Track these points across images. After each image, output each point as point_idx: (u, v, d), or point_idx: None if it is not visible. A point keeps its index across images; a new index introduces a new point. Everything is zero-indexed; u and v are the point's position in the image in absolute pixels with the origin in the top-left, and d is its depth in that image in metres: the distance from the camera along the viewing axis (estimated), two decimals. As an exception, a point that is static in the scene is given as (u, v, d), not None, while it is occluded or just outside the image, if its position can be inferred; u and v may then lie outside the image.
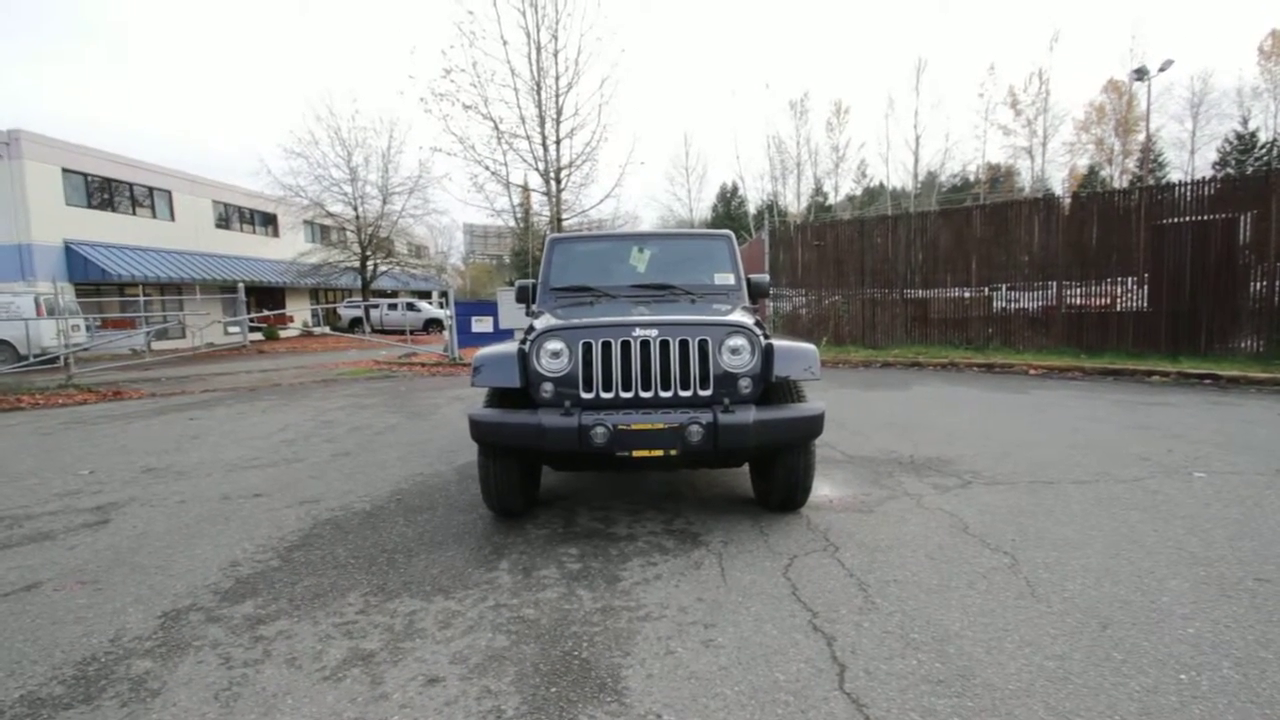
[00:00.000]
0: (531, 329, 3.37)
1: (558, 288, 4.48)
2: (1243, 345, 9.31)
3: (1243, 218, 9.68)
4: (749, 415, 3.01)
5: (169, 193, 21.15)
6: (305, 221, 24.36)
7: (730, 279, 4.52)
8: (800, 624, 2.31)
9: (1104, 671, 1.97)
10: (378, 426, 6.44)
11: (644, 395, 3.18)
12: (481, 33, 14.95)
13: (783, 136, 43.67)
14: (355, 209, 21.32)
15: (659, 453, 3.03)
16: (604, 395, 3.18)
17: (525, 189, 15.21)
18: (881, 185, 44.70)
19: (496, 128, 14.56)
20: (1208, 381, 7.90)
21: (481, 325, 14.92)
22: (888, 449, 4.96)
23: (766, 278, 4.65)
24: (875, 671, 2.00)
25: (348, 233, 22.38)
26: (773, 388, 3.30)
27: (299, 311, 23.81)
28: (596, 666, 2.08)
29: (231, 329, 19.67)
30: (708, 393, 3.17)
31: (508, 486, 3.40)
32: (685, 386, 3.18)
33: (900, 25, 63.21)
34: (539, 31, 13.95)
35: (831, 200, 43.55)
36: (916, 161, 41.54)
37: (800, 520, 3.40)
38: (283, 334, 22.63)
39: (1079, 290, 10.96)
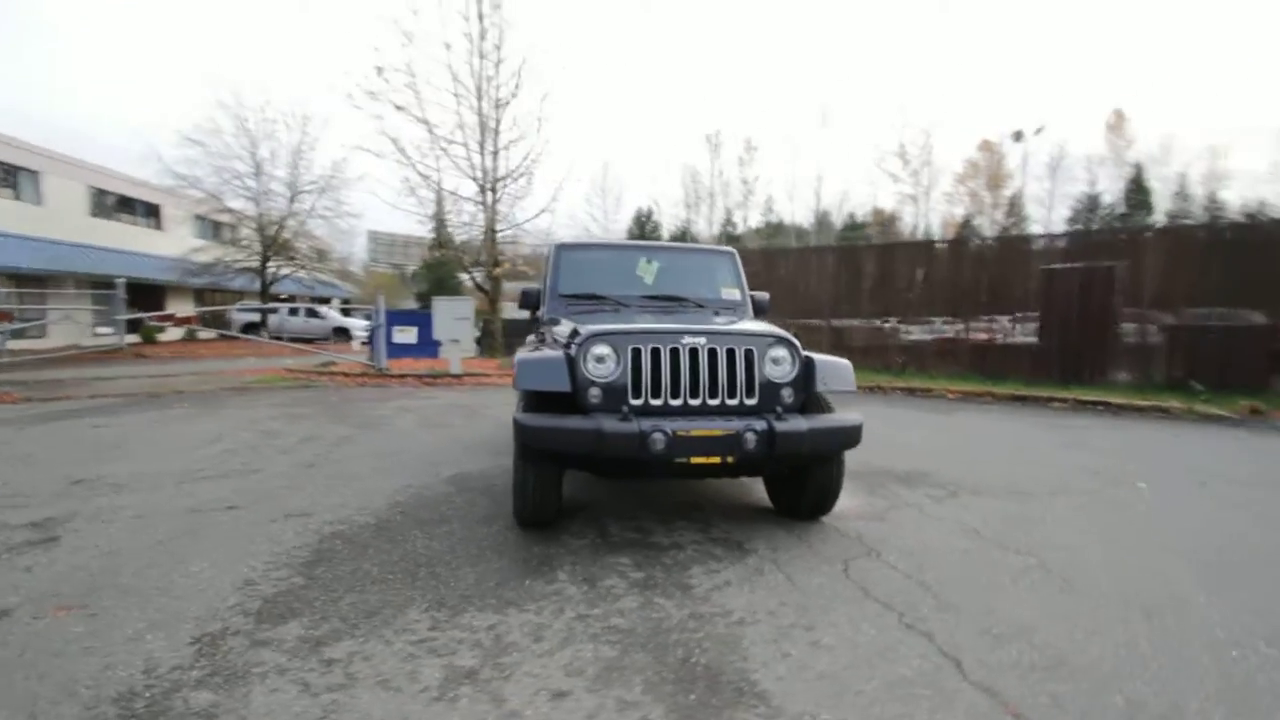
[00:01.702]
0: (575, 333, 3.27)
1: (567, 294, 4.40)
2: (1119, 377, 10.67)
3: (1116, 267, 11.18)
4: (803, 423, 3.09)
5: (36, 173, 18.55)
6: (196, 216, 22.18)
7: (736, 294, 4.63)
8: (892, 623, 2.39)
9: (1170, 653, 2.19)
10: (329, 437, 5.95)
11: (692, 403, 3.18)
12: (422, 34, 14.46)
13: (697, 167, 45.27)
14: (258, 205, 19.69)
15: (716, 459, 3.04)
16: (653, 402, 3.16)
17: (461, 196, 14.73)
18: (781, 221, 47.39)
19: (431, 132, 14.07)
20: (1100, 407, 8.95)
21: (404, 336, 14.22)
22: (865, 462, 5.21)
23: (767, 296, 4.80)
24: (987, 663, 2.10)
25: (245, 230, 20.59)
26: (809, 399, 3.40)
27: (184, 312, 21.51)
28: (722, 672, 2.05)
29: (102, 330, 17.45)
30: (753, 402, 3.23)
31: (545, 495, 3.27)
32: (732, 395, 3.22)
33: (807, 73, 67.85)
34: (483, 39, 13.71)
35: (740, 230, 45.48)
36: (818, 200, 44.34)
37: (828, 528, 3.52)
38: (161, 337, 20.33)
39: (984, 323, 12.16)
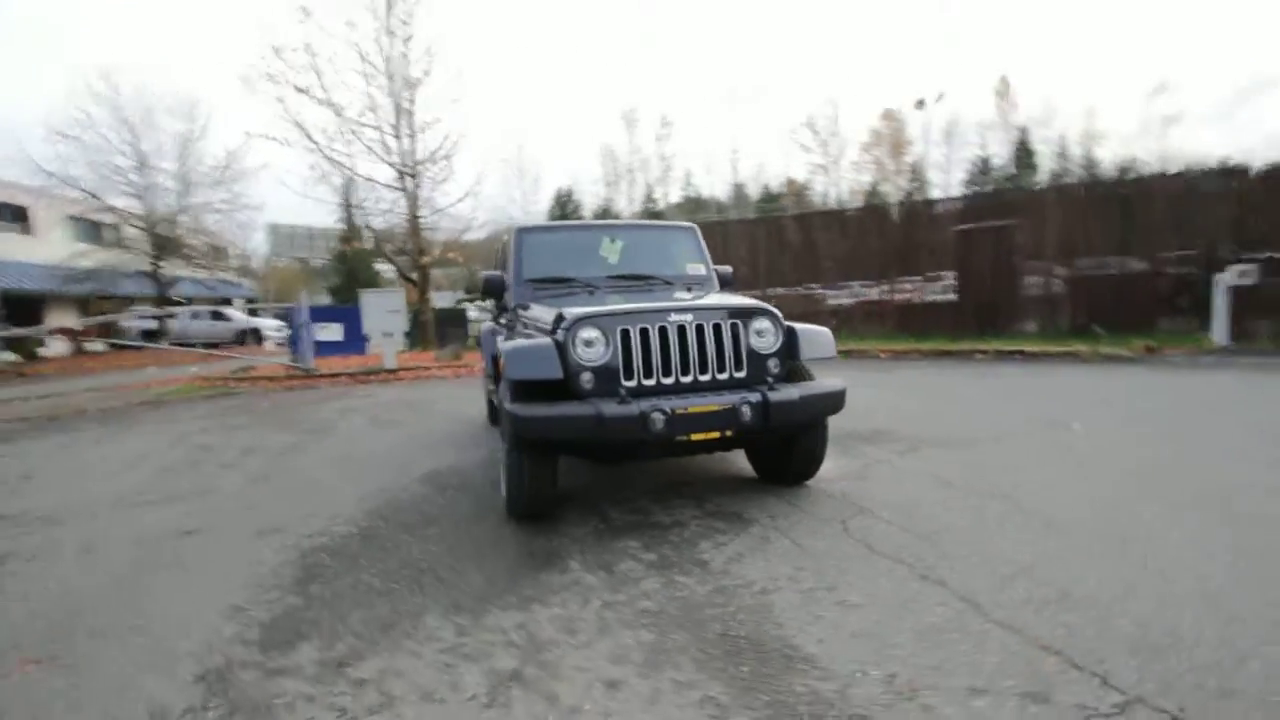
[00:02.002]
0: (560, 318, 3.19)
1: (533, 279, 4.27)
2: (1029, 326, 11.54)
3: (1017, 225, 12.02)
4: (795, 392, 3.16)
5: None
6: (71, 217, 19.94)
7: (702, 269, 4.65)
8: (905, 575, 2.50)
9: (1154, 577, 2.41)
10: (274, 447, 5.57)
11: (684, 380, 3.19)
12: (322, 9, 13.46)
13: (615, 145, 44.87)
14: (144, 201, 17.88)
15: (715, 434, 3.07)
16: (645, 382, 3.14)
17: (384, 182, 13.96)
18: (700, 195, 47.93)
19: (339, 115, 13.22)
20: (1018, 355, 9.66)
21: (328, 333, 13.48)
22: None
23: (730, 269, 4.84)
24: (1001, 603, 2.24)
25: (131, 229, 18.70)
26: (792, 368, 3.47)
27: (67, 323, 19.34)
28: (764, 641, 2.08)
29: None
30: (741, 375, 3.27)
31: (541, 486, 3.20)
32: (721, 370, 3.24)
33: (720, 47, 68.34)
34: (389, 14, 12.93)
35: (661, 206, 45.61)
36: (736, 173, 45.02)
37: (815, 490, 3.63)
38: (44, 353, 18.30)
39: (907, 284, 12.81)
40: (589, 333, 3.13)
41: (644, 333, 3.16)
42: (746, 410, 3.04)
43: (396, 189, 13.88)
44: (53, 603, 2.65)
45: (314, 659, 2.12)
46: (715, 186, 48.23)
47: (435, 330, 14.51)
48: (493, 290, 4.40)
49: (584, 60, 67.95)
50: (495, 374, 5.55)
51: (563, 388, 3.08)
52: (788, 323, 3.43)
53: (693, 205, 48.32)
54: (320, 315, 13.32)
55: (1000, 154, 47.70)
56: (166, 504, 3.99)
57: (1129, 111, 64.29)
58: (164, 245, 18.37)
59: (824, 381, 3.41)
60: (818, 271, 13.52)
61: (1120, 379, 7.29)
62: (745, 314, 3.34)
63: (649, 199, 44.90)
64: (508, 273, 4.39)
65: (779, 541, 2.92)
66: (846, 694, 1.79)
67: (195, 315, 21.00)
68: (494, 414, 5.90)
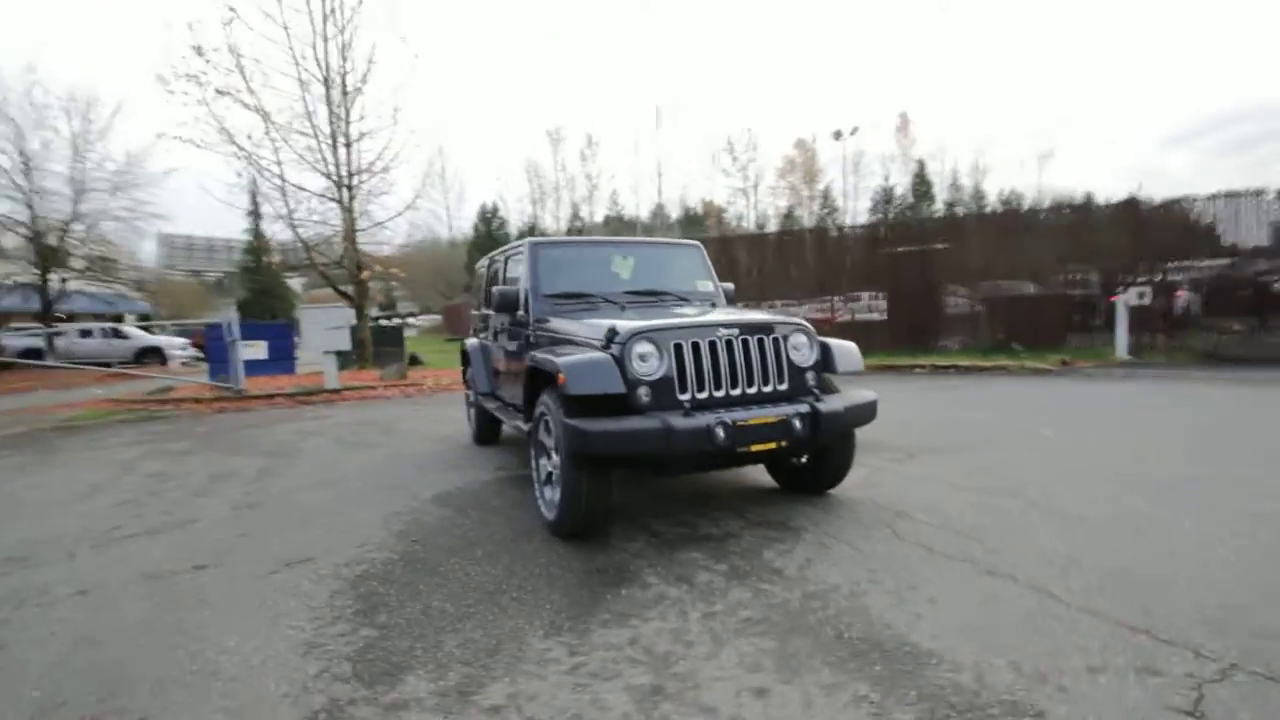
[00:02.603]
0: (614, 332, 3.18)
1: (552, 294, 4.23)
2: (952, 343, 12.47)
3: (941, 249, 13.03)
4: (839, 403, 3.31)
5: None
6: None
7: (710, 286, 4.76)
8: (973, 571, 2.68)
9: (1181, 559, 2.70)
10: (244, 472, 5.15)
11: (733, 394, 3.26)
12: (252, 13, 12.72)
13: (540, 162, 44.69)
14: (31, 208, 16.00)
15: (771, 445, 3.15)
16: (698, 395, 3.19)
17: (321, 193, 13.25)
18: (621, 215, 48.57)
19: (268, 121, 12.50)
20: (953, 370, 10.41)
21: (252, 351, 12.56)
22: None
23: (732, 286, 4.98)
24: (1072, 590, 2.45)
25: (12, 238, 16.71)
26: (824, 381, 3.63)
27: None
28: (881, 640, 2.17)
29: None
30: (784, 387, 3.38)
31: (598, 502, 3.16)
32: (765, 382, 3.35)
33: (645, 70, 70.00)
34: (326, 22, 12.41)
35: (586, 224, 45.82)
36: (660, 194, 45.96)
37: (840, 498, 3.79)
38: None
39: (849, 303, 13.54)
40: (644, 347, 3.15)
41: (695, 346, 3.22)
42: (798, 422, 3.16)
43: (331, 200, 13.23)
44: (74, 652, 2.35)
45: (431, 690, 2.00)
46: (641, 206, 48.98)
47: (372, 348, 13.85)
48: (507, 305, 4.31)
49: (509, 76, 67.63)
50: (487, 391, 5.43)
51: (607, 402, 3.06)
52: (821, 338, 3.59)
53: (617, 225, 48.87)
54: (242, 333, 12.39)
55: (901, 184, 51.31)
56: (149, 537, 3.61)
57: (1010, 147, 71.12)
58: (50, 256, 16.52)
59: (859, 393, 3.58)
60: (768, 290, 14.01)
61: (1051, 389, 8.02)
62: (784, 328, 3.47)
63: (575, 216, 45.05)
64: (526, 287, 4.31)
65: (837, 547, 3.03)
66: (985, 682, 1.90)
67: (86, 333, 18.95)
68: (484, 433, 5.75)
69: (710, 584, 2.69)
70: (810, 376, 3.47)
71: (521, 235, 44.13)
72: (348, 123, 13.03)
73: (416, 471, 4.93)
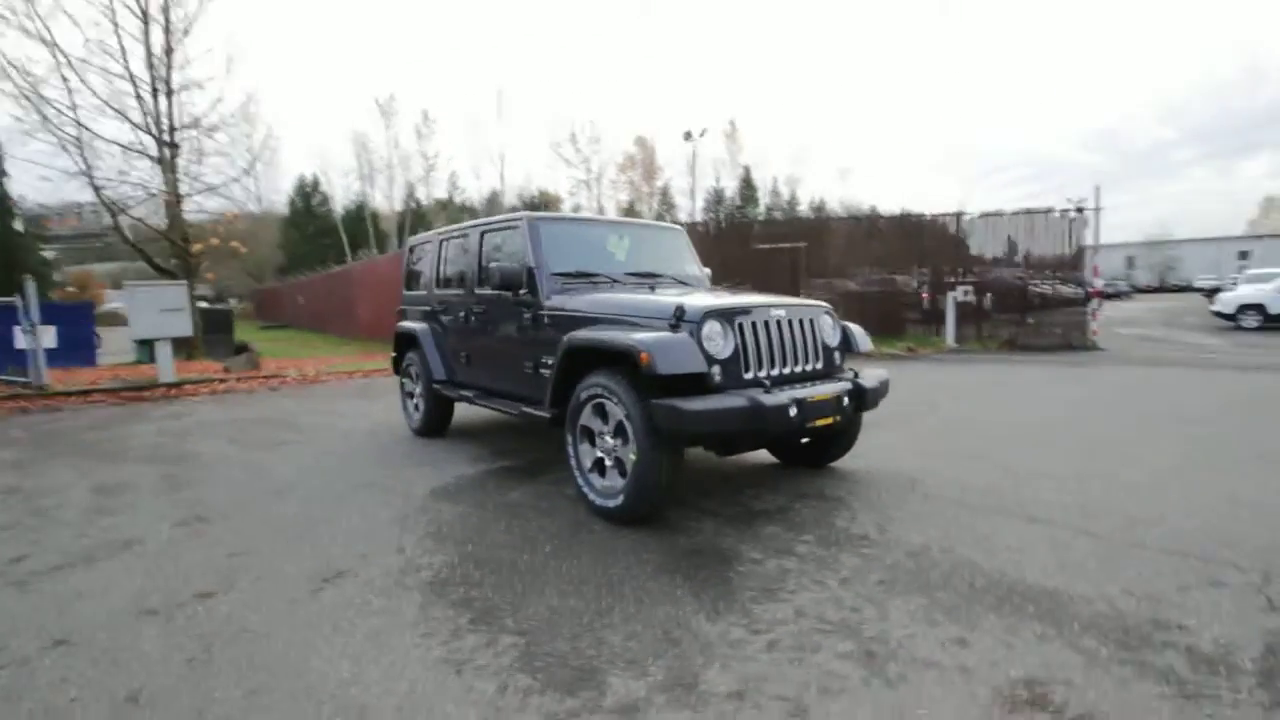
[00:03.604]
0: (681, 310, 3.12)
1: (559, 273, 4.00)
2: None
3: (805, 247, 14.33)
4: (873, 379, 3.57)
5: None
6: None
7: (696, 269, 4.82)
8: (1020, 522, 3.07)
9: (1169, 502, 3.33)
10: (144, 484, 4.16)
11: (785, 372, 3.38)
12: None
13: (370, 135, 40.69)
14: None
15: (830, 420, 3.32)
16: (758, 374, 3.25)
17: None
18: (451, 199, 46.38)
19: (58, 55, 10.07)
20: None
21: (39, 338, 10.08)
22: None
23: (709, 271, 5.08)
24: (1106, 529, 2.92)
25: None
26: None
27: None
28: (1007, 585, 2.44)
29: None
30: (819, 366, 3.58)
31: (671, 479, 3.10)
32: (805, 361, 3.51)
33: (487, 51, 66.94)
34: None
35: (424, 205, 43.02)
36: (503, 181, 44.54)
37: (847, 469, 4.08)
38: None
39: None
40: (715, 325, 3.14)
41: (754, 326, 3.28)
42: (847, 398, 3.36)
43: (148, 157, 11.00)
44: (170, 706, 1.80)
45: (650, 686, 1.86)
46: (484, 191, 47.07)
47: (202, 334, 11.83)
48: (510, 283, 3.97)
49: (332, 36, 60.70)
50: (444, 379, 4.94)
51: (679, 382, 3.00)
52: (841, 321, 3.84)
53: (455, 210, 46.51)
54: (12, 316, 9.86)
55: (730, 186, 55.03)
56: (86, 566, 2.83)
57: (819, 160, 79.71)
58: None
59: (874, 371, 3.88)
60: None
61: (911, 372, 9.23)
62: (816, 310, 3.66)
63: (410, 197, 41.92)
64: (530, 264, 4.00)
65: (891, 511, 3.28)
66: (1119, 608, 2.23)
67: None
68: (434, 424, 5.26)
69: (814, 554, 2.78)
70: (837, 356, 3.70)
71: (349, 214, 40.14)
72: (169, 68, 10.90)
73: (381, 469, 4.38)
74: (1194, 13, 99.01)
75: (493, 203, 47.86)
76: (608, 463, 3.27)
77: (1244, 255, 46.68)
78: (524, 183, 47.12)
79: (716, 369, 3.09)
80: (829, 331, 3.69)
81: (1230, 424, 5.23)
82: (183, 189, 11.22)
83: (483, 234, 4.61)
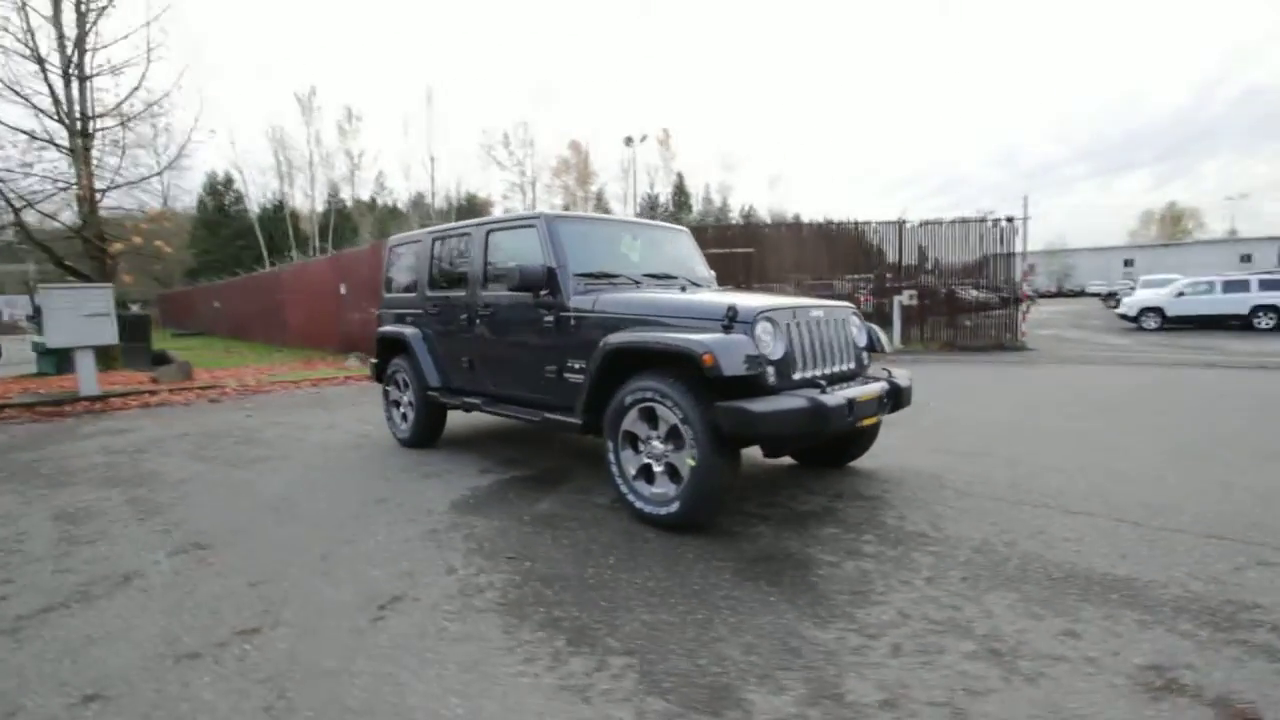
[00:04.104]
0: (733, 311, 3.05)
1: (582, 274, 3.86)
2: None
3: (752, 252, 14.63)
4: (905, 379, 3.63)
5: None
6: None
7: (705, 270, 4.78)
8: (1061, 514, 3.19)
9: (1172, 489, 3.55)
10: (110, 510, 3.69)
11: (827, 372, 3.39)
12: None
13: (288, 131, 38.32)
14: None
15: (875, 419, 3.35)
16: (805, 374, 3.24)
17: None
18: (375, 201, 44.55)
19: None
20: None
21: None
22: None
23: (713, 273, 5.05)
24: (1143, 516, 3.08)
25: None
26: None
27: None
28: (1083, 575, 2.51)
29: None
30: (853, 366, 3.61)
31: (732, 483, 3.04)
32: (842, 361, 3.53)
33: (416, 47, 64.71)
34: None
35: (350, 207, 41.12)
36: (433, 182, 43.21)
37: (867, 469, 4.14)
38: None
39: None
40: (767, 326, 3.10)
41: (798, 326, 3.27)
42: (886, 397, 3.41)
43: (56, 146, 9.90)
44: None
45: (793, 699, 1.78)
46: (414, 192, 45.42)
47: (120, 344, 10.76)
48: (531, 283, 3.78)
49: (247, 23, 57.00)
50: (439, 386, 4.67)
51: (735, 383, 2.95)
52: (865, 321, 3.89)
53: (384, 212, 44.74)
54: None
55: (664, 193, 55.72)
56: (85, 604, 2.46)
57: (749, 168, 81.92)
58: None
59: (902, 371, 3.94)
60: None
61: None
62: (847, 312, 3.70)
63: (334, 196, 39.91)
64: (550, 264, 3.83)
65: (934, 508, 3.34)
66: (1193, 591, 2.33)
67: None
68: (426, 434, 4.97)
69: (884, 554, 2.78)
70: (865, 356, 3.74)
71: (266, 214, 37.75)
72: (82, 50, 9.87)
73: (383, 484, 4.08)
74: (1082, 41, 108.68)
75: (418, 205, 46.38)
76: (657, 469, 3.17)
77: (1129, 263, 51.43)
78: (457, 185, 45.80)
79: (771, 369, 3.05)
80: (857, 332, 3.73)
81: (1182, 415, 5.67)
82: (99, 183, 10.18)
83: (488, 233, 4.39)
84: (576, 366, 3.68)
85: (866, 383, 3.46)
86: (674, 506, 3.03)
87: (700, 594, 2.44)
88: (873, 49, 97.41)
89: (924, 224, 13.76)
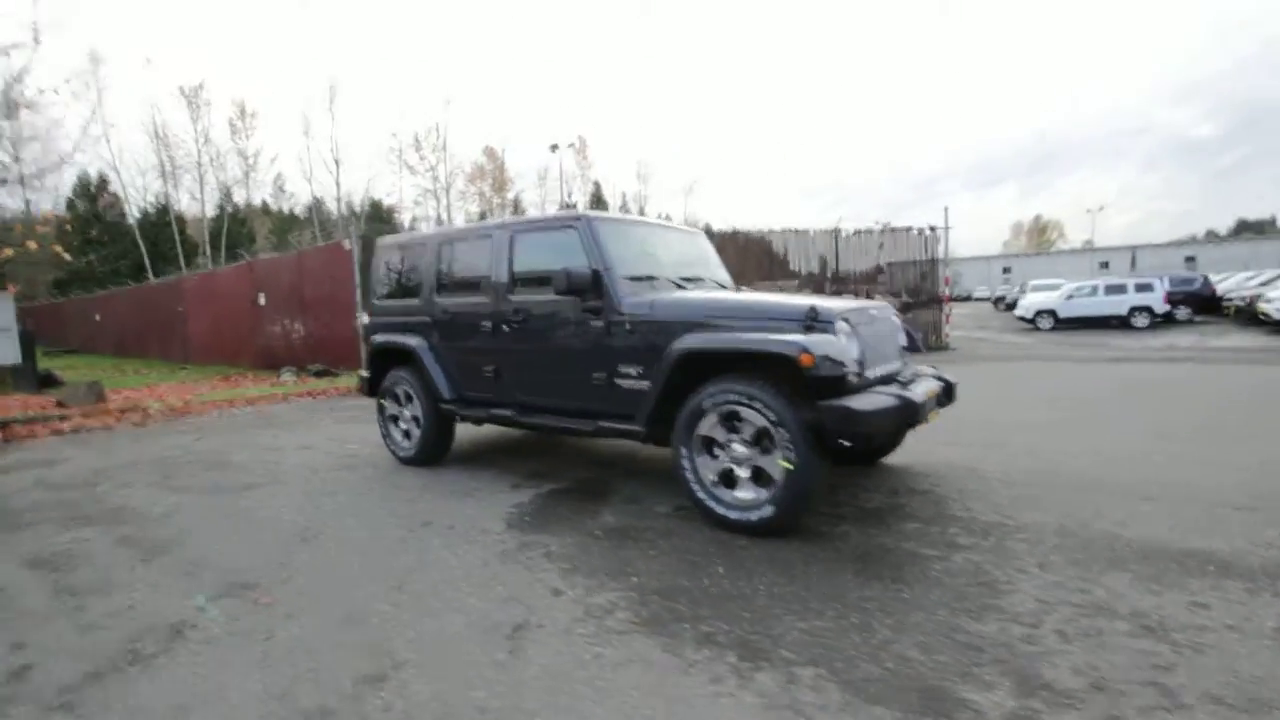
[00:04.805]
0: (814, 312, 3.05)
1: (630, 276, 3.74)
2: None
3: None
4: (951, 375, 3.77)
5: None
6: None
7: (725, 273, 4.77)
8: (1126, 496, 3.40)
9: (1168, 465, 3.88)
10: (96, 555, 3.19)
11: (883, 372, 3.46)
12: None
13: (175, 129, 34.76)
14: None
15: (937, 414, 3.44)
16: (873, 373, 3.31)
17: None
18: (270, 206, 41.59)
19: None
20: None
21: None
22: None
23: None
24: (1197, 496, 3.34)
25: None
26: None
27: None
28: (1169, 551, 2.68)
29: None
30: (899, 365, 3.72)
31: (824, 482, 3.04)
32: (889, 361, 3.62)
33: (318, 43, 60.90)
34: None
35: (243, 210, 38.11)
36: (338, 185, 40.94)
37: (898, 465, 4.26)
38: None
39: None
40: (845, 326, 3.13)
41: (864, 327, 3.32)
42: (943, 394, 3.53)
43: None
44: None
45: (1008, 694, 1.78)
46: (322, 195, 42.66)
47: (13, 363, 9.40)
48: (578, 287, 3.61)
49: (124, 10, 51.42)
50: (454, 398, 4.37)
51: (823, 384, 2.96)
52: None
53: (284, 218, 41.81)
54: None
55: (581, 201, 55.68)
56: (145, 669, 2.08)
57: (665, 178, 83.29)
58: None
59: (941, 371, 4.07)
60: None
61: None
62: (889, 312, 3.80)
63: (227, 199, 36.75)
64: (596, 266, 3.68)
65: (989, 497, 3.48)
66: (1271, 557, 2.55)
67: None
68: (434, 450, 4.64)
69: (979, 545, 2.85)
70: (906, 355, 3.86)
71: (148, 219, 34.19)
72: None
73: (417, 505, 3.76)
74: (962, 66, 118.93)
75: (316, 210, 43.72)
76: (741, 474, 3.11)
77: (1007, 270, 56.54)
78: (366, 189, 43.53)
79: (855, 369, 3.08)
80: (899, 332, 3.85)
81: (1135, 404, 6.27)
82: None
83: (514, 235, 4.17)
84: (631, 372, 3.56)
85: (925, 380, 3.56)
86: (766, 510, 2.98)
87: (835, 596, 2.41)
88: (780, 65, 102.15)
89: (856, 233, 14.51)
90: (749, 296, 3.52)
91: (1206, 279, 20.18)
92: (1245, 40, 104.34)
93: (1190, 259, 45.34)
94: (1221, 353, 10.91)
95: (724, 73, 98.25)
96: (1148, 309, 17.50)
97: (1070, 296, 18.82)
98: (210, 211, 35.87)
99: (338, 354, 11.50)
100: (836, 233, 14.36)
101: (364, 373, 5.13)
